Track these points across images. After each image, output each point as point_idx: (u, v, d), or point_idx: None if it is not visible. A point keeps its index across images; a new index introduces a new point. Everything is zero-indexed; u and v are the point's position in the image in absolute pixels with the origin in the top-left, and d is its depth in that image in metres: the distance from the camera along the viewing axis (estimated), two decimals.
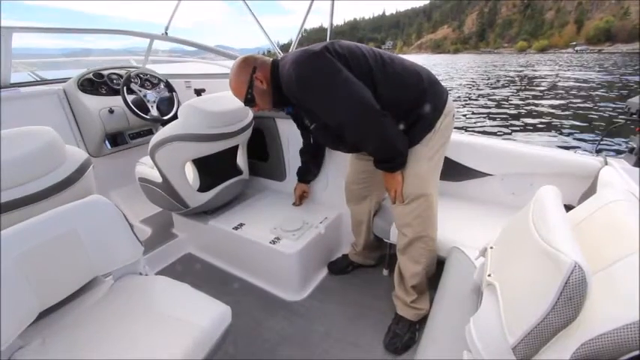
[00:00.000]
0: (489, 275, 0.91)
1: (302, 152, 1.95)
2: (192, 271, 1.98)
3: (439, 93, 1.29)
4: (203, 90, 2.37)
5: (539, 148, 1.62)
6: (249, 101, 1.32)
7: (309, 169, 2.01)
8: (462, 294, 1.14)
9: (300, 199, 2.08)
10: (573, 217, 0.93)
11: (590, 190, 1.34)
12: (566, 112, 11.67)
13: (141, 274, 1.26)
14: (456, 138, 1.74)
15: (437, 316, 1.08)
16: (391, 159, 1.27)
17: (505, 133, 9.31)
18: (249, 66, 1.28)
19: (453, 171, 1.76)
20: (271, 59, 1.33)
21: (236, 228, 1.86)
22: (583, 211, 0.92)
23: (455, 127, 1.42)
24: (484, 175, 1.71)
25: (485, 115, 11.63)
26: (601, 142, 1.74)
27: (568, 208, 0.93)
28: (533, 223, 0.82)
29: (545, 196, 0.89)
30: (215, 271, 1.96)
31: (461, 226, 1.53)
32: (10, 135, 1.11)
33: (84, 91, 2.14)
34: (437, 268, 1.49)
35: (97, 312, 1.07)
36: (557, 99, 14.16)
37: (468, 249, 1.36)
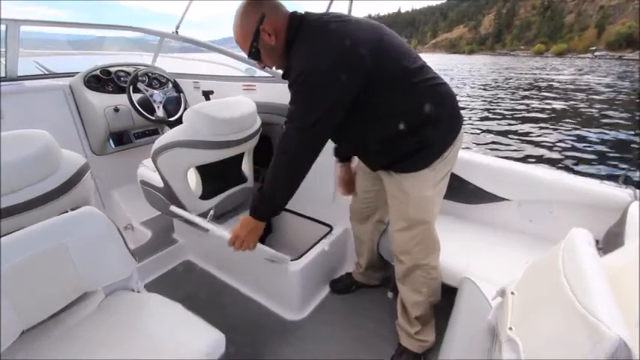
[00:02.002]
0: (510, 329, 0.82)
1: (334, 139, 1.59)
2: (190, 280, 1.92)
3: (456, 119, 1.20)
4: (211, 92, 2.30)
5: (561, 174, 1.53)
6: (253, 55, 1.09)
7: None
8: (474, 334, 1.06)
9: (348, 186, 1.61)
10: (606, 264, 0.83)
11: (619, 227, 1.24)
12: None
13: (133, 290, 1.20)
14: (471, 158, 1.65)
15: (448, 357, 1.00)
16: (267, 202, 1.12)
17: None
18: (255, 11, 1.02)
19: (467, 192, 1.67)
20: (289, 12, 1.07)
21: None
22: (618, 258, 0.83)
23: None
24: (500, 199, 1.62)
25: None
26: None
27: None
28: (565, 277, 0.73)
29: (578, 244, 0.80)
30: (213, 281, 1.90)
31: (473, 253, 1.44)
32: (3, 139, 1.05)
33: (90, 87, 2.10)
34: (444, 295, 1.40)
35: (85, 330, 1.01)
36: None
37: (481, 281, 1.27)
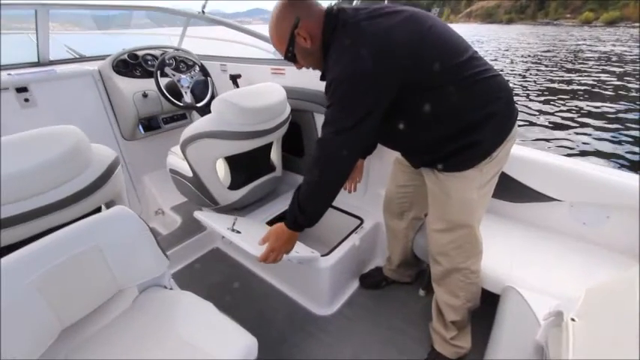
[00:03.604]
0: None
1: None
2: (218, 269, 1.94)
3: (509, 115, 1.08)
4: (239, 76, 2.23)
5: (620, 174, 1.36)
6: (289, 59, 1.08)
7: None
8: (519, 353, 0.99)
9: (351, 180, 1.65)
10: None
11: None
12: None
13: (165, 287, 1.21)
14: (517, 152, 1.50)
15: None
16: (308, 211, 1.08)
17: None
18: (290, 15, 1.00)
19: (512, 190, 1.54)
20: (324, 9, 1.03)
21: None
22: None
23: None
24: (549, 199, 1.48)
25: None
26: None
27: None
28: None
29: None
30: (242, 271, 1.91)
31: (517, 258, 1.34)
32: (32, 138, 1.04)
33: (118, 72, 2.08)
34: (483, 302, 1.33)
35: (120, 328, 1.03)
36: None
37: (527, 292, 1.18)
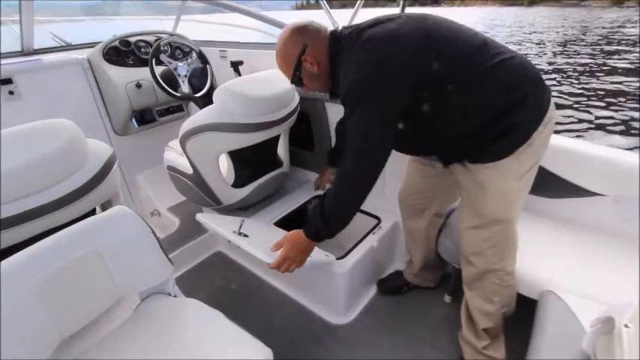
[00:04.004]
0: None
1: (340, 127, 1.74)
2: (222, 275, 1.92)
3: (541, 94, 1.06)
4: (241, 62, 2.20)
5: None
6: (296, 83, 1.18)
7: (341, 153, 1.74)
8: None
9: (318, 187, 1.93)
10: None
11: None
12: None
13: (169, 294, 1.19)
14: (553, 142, 1.46)
15: None
16: (333, 222, 1.09)
17: None
18: (297, 42, 1.10)
19: (546, 184, 1.50)
20: (329, 30, 1.14)
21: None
22: None
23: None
24: (589, 193, 1.44)
25: None
26: None
27: None
28: None
29: None
30: (248, 277, 1.89)
31: (555, 259, 1.32)
32: (23, 133, 1.02)
33: (109, 61, 2.06)
34: (518, 308, 1.31)
35: (122, 339, 1.01)
36: None
37: (567, 295, 1.15)
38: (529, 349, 1.04)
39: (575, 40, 17.71)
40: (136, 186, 2.41)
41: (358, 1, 1.98)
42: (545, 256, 1.33)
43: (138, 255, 1.06)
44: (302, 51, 1.09)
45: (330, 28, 1.17)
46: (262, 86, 1.59)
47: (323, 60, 1.12)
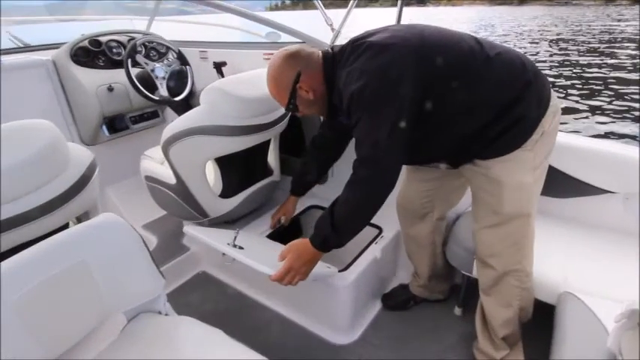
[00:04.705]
0: None
1: (313, 146, 1.68)
2: (208, 297, 1.93)
3: (542, 85, 1.18)
4: (224, 64, 2.27)
5: None
6: (291, 110, 1.29)
7: (309, 173, 1.72)
8: None
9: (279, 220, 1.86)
10: None
11: None
12: None
13: (160, 312, 1.21)
14: (560, 139, 1.58)
15: None
16: (342, 231, 1.17)
17: None
18: (291, 69, 1.20)
19: (554, 183, 1.61)
20: (321, 54, 1.23)
21: None
22: None
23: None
24: (599, 191, 1.56)
25: None
26: None
27: None
28: None
29: None
30: (237, 298, 1.91)
31: (569, 260, 1.41)
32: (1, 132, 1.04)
33: (77, 62, 2.10)
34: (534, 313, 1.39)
35: None
36: None
37: (586, 297, 1.24)
38: (551, 353, 1.11)
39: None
40: (105, 201, 2.41)
41: (351, 1, 2.09)
42: (558, 258, 1.41)
43: (129, 268, 1.08)
44: (296, 78, 1.18)
45: (322, 48, 1.30)
46: (251, 87, 1.64)
47: (318, 86, 1.21)
